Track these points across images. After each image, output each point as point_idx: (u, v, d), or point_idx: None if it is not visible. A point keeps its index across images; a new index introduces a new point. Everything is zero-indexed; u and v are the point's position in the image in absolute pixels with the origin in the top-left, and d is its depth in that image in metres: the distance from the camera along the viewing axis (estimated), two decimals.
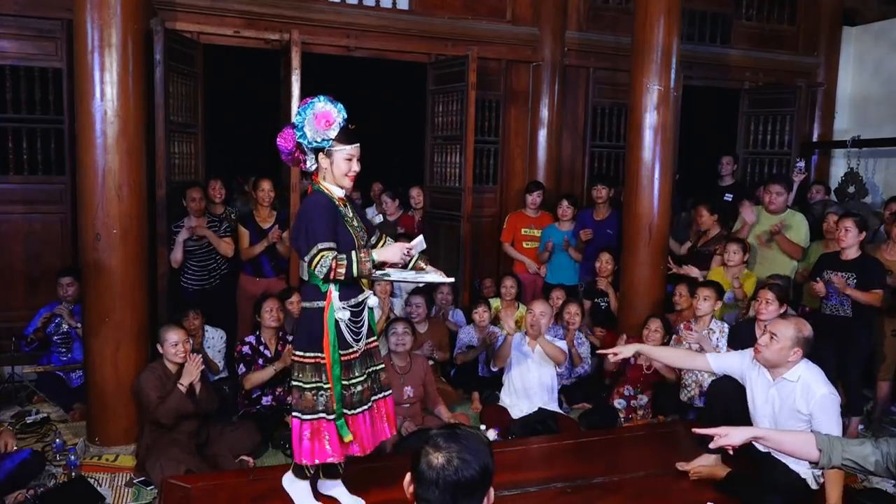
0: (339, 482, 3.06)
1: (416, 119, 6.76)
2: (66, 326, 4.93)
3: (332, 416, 2.81)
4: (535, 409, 4.46)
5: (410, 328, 4.48)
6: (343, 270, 2.71)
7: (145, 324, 4.30)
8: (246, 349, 4.49)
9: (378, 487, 3.14)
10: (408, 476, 1.61)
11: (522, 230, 6.15)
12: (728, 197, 6.36)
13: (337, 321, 2.80)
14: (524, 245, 6.15)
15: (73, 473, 3.76)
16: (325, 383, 2.81)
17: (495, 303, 5.60)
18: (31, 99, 5.34)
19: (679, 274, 5.22)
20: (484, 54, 6.15)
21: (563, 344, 4.59)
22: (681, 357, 3.68)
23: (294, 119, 2.81)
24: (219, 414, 4.25)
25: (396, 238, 5.74)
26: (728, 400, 3.35)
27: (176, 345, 3.92)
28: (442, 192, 6.28)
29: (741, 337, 4.44)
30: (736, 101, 7.41)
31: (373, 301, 2.95)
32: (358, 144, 2.84)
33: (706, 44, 7.13)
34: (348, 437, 2.81)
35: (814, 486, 3.18)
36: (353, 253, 2.75)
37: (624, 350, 3.40)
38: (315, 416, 2.82)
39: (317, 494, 3.04)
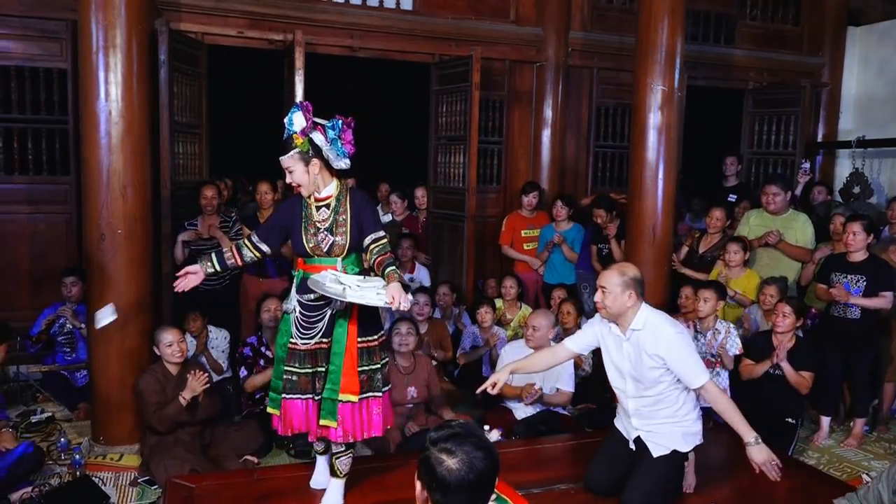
0: (325, 458, 3.20)
1: (419, 120, 6.76)
2: (71, 326, 4.95)
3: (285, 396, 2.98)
4: (539, 409, 4.45)
5: (414, 328, 4.48)
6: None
7: (150, 324, 4.30)
8: (247, 350, 4.50)
9: (380, 488, 3.15)
10: (418, 486, 1.64)
11: (522, 231, 6.15)
12: (731, 198, 6.34)
13: (283, 310, 2.99)
14: (524, 246, 6.14)
15: (78, 473, 3.77)
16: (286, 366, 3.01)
17: (499, 303, 5.60)
18: (36, 99, 5.36)
19: (682, 274, 5.21)
20: (487, 54, 6.14)
21: (568, 367, 4.49)
22: (546, 358, 3.51)
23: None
24: (222, 414, 4.26)
25: (400, 238, 5.79)
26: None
27: (171, 345, 3.93)
28: (445, 193, 6.28)
29: (758, 348, 4.44)
30: (740, 102, 7.39)
31: (339, 304, 2.90)
32: (283, 156, 2.93)
33: (710, 44, 7.12)
34: (273, 410, 3.04)
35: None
36: (214, 252, 3.11)
37: (499, 377, 3.24)
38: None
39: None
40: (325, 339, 2.95)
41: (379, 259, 2.93)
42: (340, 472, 3.05)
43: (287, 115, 2.89)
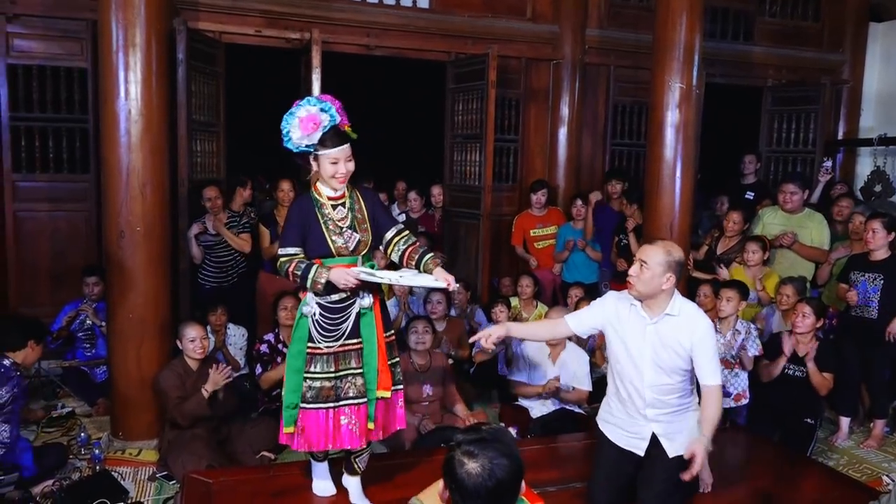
0: (356, 479, 3.10)
1: (435, 118, 6.76)
2: (91, 322, 5.00)
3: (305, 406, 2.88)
4: (554, 408, 4.45)
5: (430, 326, 4.49)
6: (297, 277, 2.80)
7: (168, 320, 4.35)
8: (264, 348, 4.52)
9: (396, 485, 3.16)
10: (441, 483, 1.65)
11: (532, 231, 6.14)
12: (750, 195, 6.29)
13: (302, 314, 2.86)
14: (536, 245, 6.13)
15: (98, 467, 3.82)
16: (307, 374, 2.91)
17: (514, 302, 5.59)
18: (57, 98, 5.43)
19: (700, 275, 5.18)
20: (504, 52, 6.12)
21: (584, 365, 4.53)
22: (546, 329, 3.40)
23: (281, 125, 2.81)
24: (239, 411, 4.29)
25: (416, 236, 5.78)
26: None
27: (194, 341, 3.96)
28: (461, 191, 6.28)
29: (776, 349, 4.39)
30: (759, 99, 7.32)
31: (366, 302, 2.90)
32: (345, 146, 2.82)
33: (728, 41, 7.05)
34: (287, 429, 2.89)
35: None
36: (314, 268, 2.79)
37: (495, 330, 3.00)
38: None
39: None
40: (351, 341, 2.90)
41: (409, 249, 2.95)
42: (360, 470, 3.06)
43: (322, 106, 2.78)
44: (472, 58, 6.05)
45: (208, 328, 4.42)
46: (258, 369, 4.49)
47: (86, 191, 5.55)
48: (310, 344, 2.87)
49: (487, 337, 2.96)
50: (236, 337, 4.96)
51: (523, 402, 4.57)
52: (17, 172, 5.40)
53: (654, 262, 2.79)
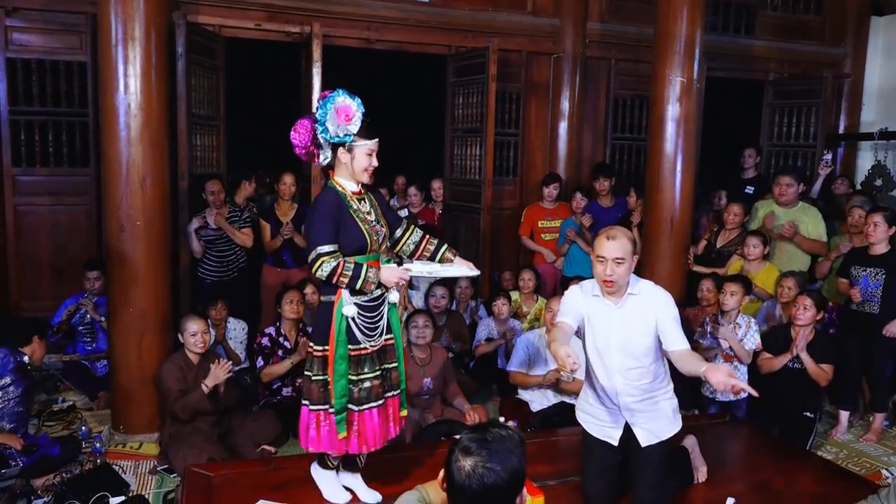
0: (357, 475, 3.08)
1: (435, 112, 6.75)
2: (91, 317, 5.01)
3: (332, 410, 2.81)
4: (554, 402, 4.45)
5: (431, 320, 4.49)
6: (347, 279, 2.71)
7: (168, 314, 4.36)
8: (265, 341, 4.53)
9: (396, 478, 3.16)
10: (442, 473, 1.64)
11: (540, 222, 6.14)
12: (749, 189, 6.28)
13: (343, 316, 2.78)
14: (543, 237, 6.14)
15: (99, 460, 3.83)
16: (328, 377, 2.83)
17: (515, 296, 5.59)
18: (57, 92, 5.42)
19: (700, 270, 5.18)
20: (504, 46, 6.11)
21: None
22: (568, 334, 3.05)
23: (316, 113, 2.78)
24: (240, 404, 4.30)
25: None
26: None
27: (195, 335, 3.96)
28: (462, 185, 6.27)
29: (777, 342, 4.40)
30: (760, 93, 7.30)
31: (393, 297, 2.93)
32: (377, 140, 2.82)
33: (730, 34, 7.03)
34: (341, 434, 2.80)
35: None
36: (365, 268, 2.73)
37: (569, 351, 2.69)
38: (320, 408, 2.85)
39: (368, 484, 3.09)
40: (387, 336, 2.93)
41: (423, 242, 3.03)
42: (362, 465, 3.08)
43: (356, 100, 2.77)
44: (472, 51, 6.04)
45: (208, 322, 4.42)
46: (259, 362, 4.50)
47: (86, 185, 5.55)
48: (352, 346, 2.81)
49: (568, 365, 2.68)
50: (237, 331, 4.97)
51: (523, 396, 4.57)
52: (18, 167, 5.40)
53: (627, 252, 2.79)
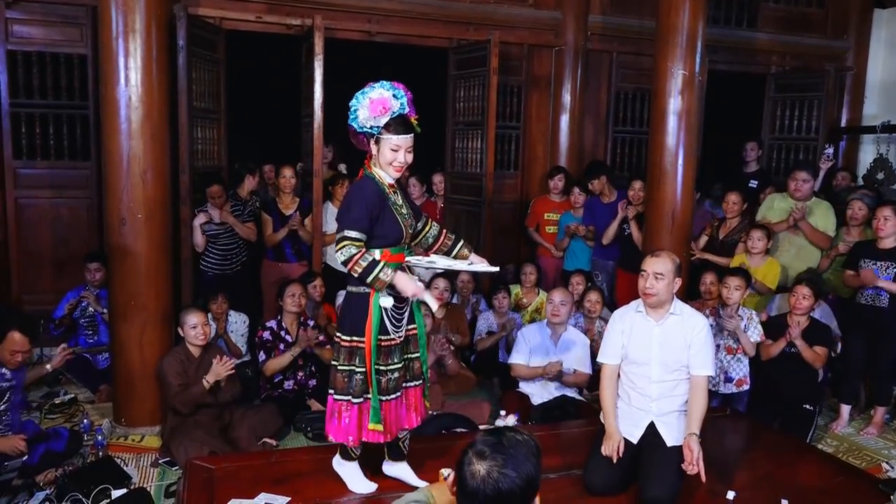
0: (404, 463, 3.09)
1: (436, 105, 6.73)
2: (93, 310, 5.01)
3: (358, 400, 2.82)
4: (555, 395, 4.46)
5: (430, 311, 4.50)
6: (359, 270, 2.69)
7: (170, 307, 4.36)
8: (267, 335, 4.53)
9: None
10: (451, 476, 1.62)
11: (545, 215, 6.14)
12: (753, 183, 6.27)
13: (381, 307, 2.80)
14: (547, 230, 6.14)
15: (101, 453, 3.84)
16: (358, 367, 2.83)
17: (515, 289, 5.59)
18: (57, 85, 5.41)
19: (703, 260, 5.17)
20: (505, 39, 6.09)
21: (584, 348, 4.56)
22: (612, 387, 3.31)
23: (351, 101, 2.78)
24: (241, 398, 4.30)
25: None
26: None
27: (195, 327, 3.96)
28: (463, 178, 6.26)
29: (776, 330, 4.40)
30: (762, 86, 7.28)
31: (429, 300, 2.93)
32: (408, 136, 2.80)
33: (732, 27, 7.01)
34: (375, 425, 2.81)
35: None
36: (383, 264, 2.73)
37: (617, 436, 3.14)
38: (343, 398, 2.85)
39: (366, 474, 3.07)
40: (410, 326, 2.96)
41: (441, 237, 3.08)
42: (406, 451, 3.10)
43: (395, 93, 2.76)
44: (473, 44, 6.02)
45: (209, 316, 4.43)
46: (261, 356, 4.50)
47: (87, 178, 5.54)
48: (382, 336, 2.82)
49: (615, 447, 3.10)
50: (238, 324, 4.98)
51: (524, 389, 4.57)
52: (18, 159, 5.40)
53: (668, 270, 3.08)
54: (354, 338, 2.83)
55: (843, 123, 7.57)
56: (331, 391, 2.91)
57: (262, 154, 7.00)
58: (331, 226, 5.53)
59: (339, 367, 2.87)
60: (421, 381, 3.03)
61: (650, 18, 5.35)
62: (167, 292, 4.35)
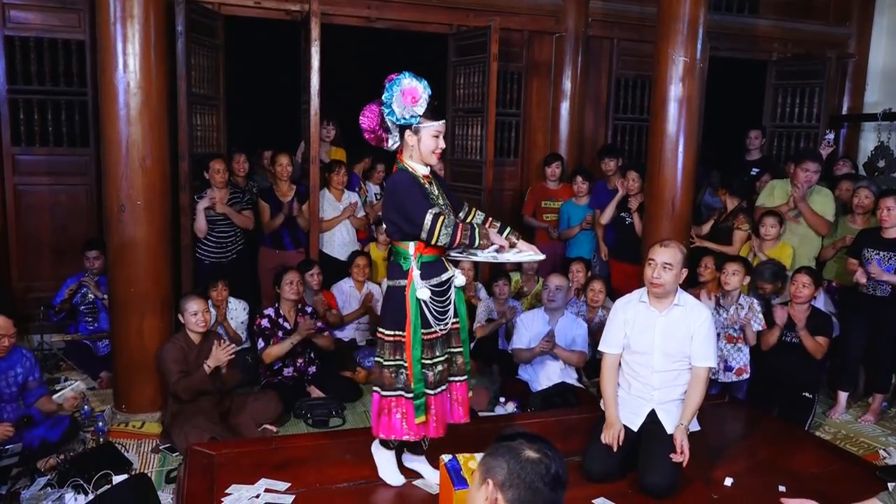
0: (422, 458, 3.08)
1: (436, 91, 6.70)
2: (93, 296, 5.01)
3: (409, 395, 2.80)
4: (554, 382, 4.47)
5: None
6: (467, 240, 2.72)
7: (169, 294, 4.36)
8: (265, 322, 4.53)
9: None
10: (490, 485, 1.58)
11: (543, 202, 6.13)
12: (754, 171, 6.25)
13: (419, 300, 2.76)
14: (545, 217, 6.13)
15: (101, 439, 3.85)
16: (404, 362, 2.80)
17: (515, 277, 5.59)
18: (56, 71, 5.39)
19: (702, 247, 5.16)
20: (506, 25, 6.05)
21: (582, 332, 4.58)
22: (614, 377, 3.33)
23: (383, 96, 2.76)
24: (241, 384, 4.31)
25: None
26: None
27: (196, 314, 3.96)
28: (463, 166, 6.25)
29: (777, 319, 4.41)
30: (763, 73, 7.25)
31: (459, 280, 2.91)
32: (444, 121, 2.83)
33: (733, 14, 6.97)
34: (419, 419, 2.79)
35: None
36: (479, 228, 2.77)
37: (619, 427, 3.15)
38: (393, 394, 2.82)
39: (400, 466, 3.06)
40: (454, 320, 2.93)
41: (486, 223, 3.03)
42: (426, 447, 3.07)
43: (422, 82, 2.77)
44: (473, 30, 5.98)
45: (209, 302, 4.43)
46: (260, 344, 4.51)
47: (86, 164, 5.53)
48: (424, 330, 2.79)
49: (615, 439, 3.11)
50: (237, 311, 4.98)
51: (523, 376, 4.59)
52: (17, 146, 5.38)
53: (676, 260, 3.06)
54: (397, 332, 2.80)
55: (845, 111, 7.55)
56: (376, 389, 2.86)
57: (262, 141, 6.99)
58: (328, 213, 5.52)
59: (385, 363, 2.82)
60: (465, 377, 2.99)
61: (651, 4, 5.32)
62: (167, 279, 4.35)
